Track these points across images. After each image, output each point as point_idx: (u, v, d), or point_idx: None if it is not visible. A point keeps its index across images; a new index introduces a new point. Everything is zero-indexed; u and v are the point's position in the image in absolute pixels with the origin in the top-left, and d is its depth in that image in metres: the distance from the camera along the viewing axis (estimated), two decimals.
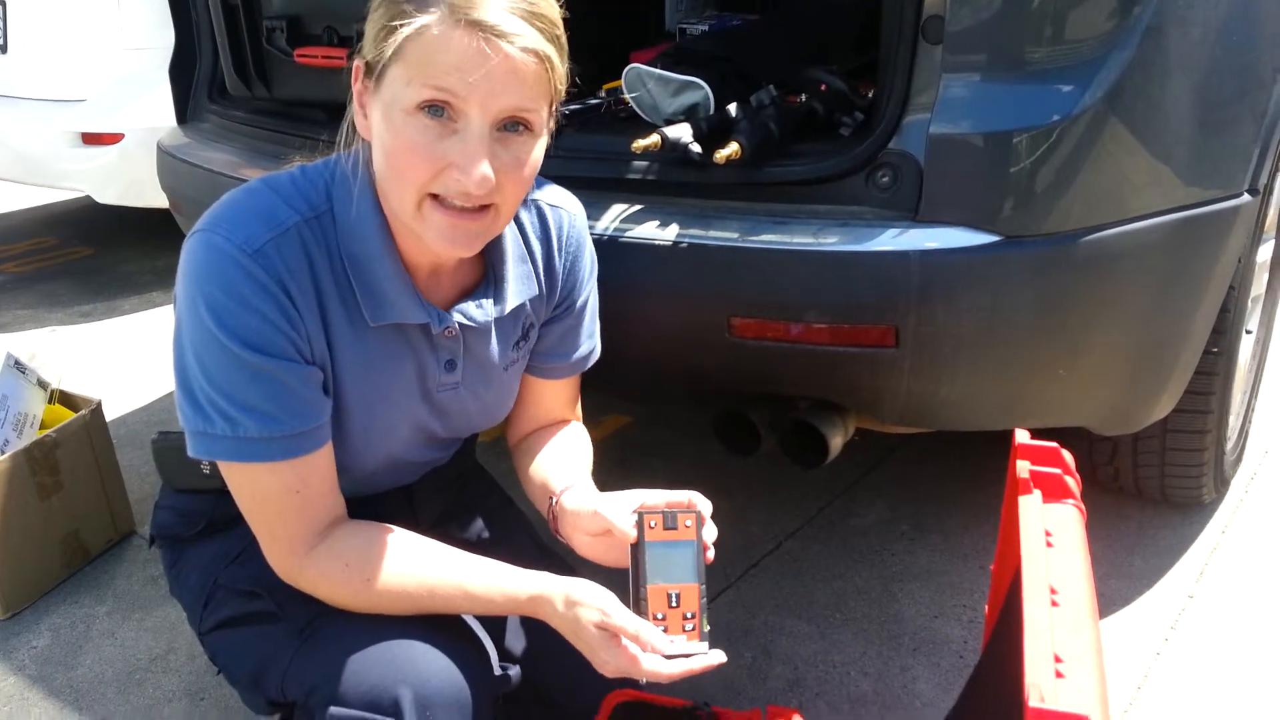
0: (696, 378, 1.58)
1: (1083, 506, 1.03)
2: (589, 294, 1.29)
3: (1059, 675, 0.77)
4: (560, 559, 1.37)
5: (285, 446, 1.04)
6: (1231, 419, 1.96)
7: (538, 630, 1.11)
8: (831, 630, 1.80)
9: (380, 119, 1.01)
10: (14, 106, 3.68)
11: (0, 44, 3.67)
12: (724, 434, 1.62)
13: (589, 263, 1.28)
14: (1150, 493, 2.01)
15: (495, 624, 1.25)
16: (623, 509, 1.10)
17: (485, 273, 1.18)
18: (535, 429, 1.33)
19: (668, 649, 1.01)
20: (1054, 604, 0.86)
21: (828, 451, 1.52)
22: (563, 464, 1.26)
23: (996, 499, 2.13)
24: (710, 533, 1.09)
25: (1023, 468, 1.04)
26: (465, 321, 1.14)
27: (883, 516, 2.14)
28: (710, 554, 1.08)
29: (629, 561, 1.07)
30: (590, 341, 1.32)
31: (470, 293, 1.17)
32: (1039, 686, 0.75)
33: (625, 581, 1.07)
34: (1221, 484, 2.03)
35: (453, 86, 0.95)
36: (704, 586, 1.05)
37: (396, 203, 1.03)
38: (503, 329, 1.21)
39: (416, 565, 1.08)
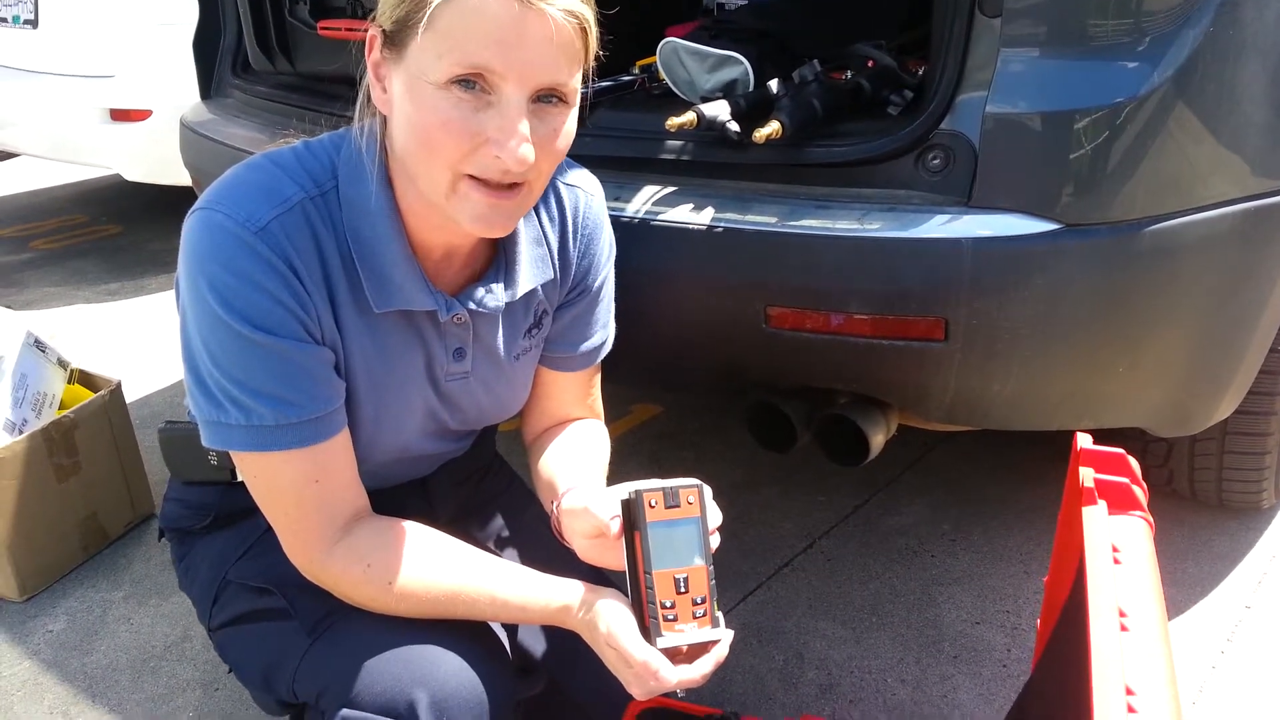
0: (730, 370, 1.51)
1: (1151, 519, 0.95)
2: (605, 279, 1.22)
3: (1131, 710, 0.70)
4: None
5: (302, 433, 0.98)
6: None
7: (560, 632, 1.05)
8: (867, 634, 1.73)
9: (404, 92, 0.93)
10: (43, 82, 3.66)
11: (31, 19, 3.66)
12: (758, 428, 1.55)
13: (606, 246, 1.21)
14: (1206, 497, 1.92)
15: (514, 625, 1.19)
16: (612, 500, 1.02)
17: (496, 255, 1.11)
18: (549, 425, 1.27)
19: (676, 678, 0.94)
20: (1123, 628, 0.78)
21: (868, 450, 1.44)
22: (570, 463, 1.19)
23: (1043, 499, 2.07)
24: (715, 516, 1.01)
25: (1086, 475, 0.95)
26: (475, 308, 1.08)
27: (922, 516, 2.06)
28: (716, 538, 1.00)
29: (624, 549, 0.99)
30: (603, 332, 1.25)
31: (480, 277, 1.10)
32: None
33: None
34: None
35: (490, 62, 0.89)
36: (712, 568, 0.98)
37: (427, 183, 0.96)
38: (514, 316, 1.15)
39: (443, 570, 1.03)
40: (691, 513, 0.98)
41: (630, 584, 0.99)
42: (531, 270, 1.12)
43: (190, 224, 0.96)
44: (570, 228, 1.16)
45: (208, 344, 0.96)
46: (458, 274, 1.09)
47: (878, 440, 1.45)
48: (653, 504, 0.96)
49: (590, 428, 1.27)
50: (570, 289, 1.19)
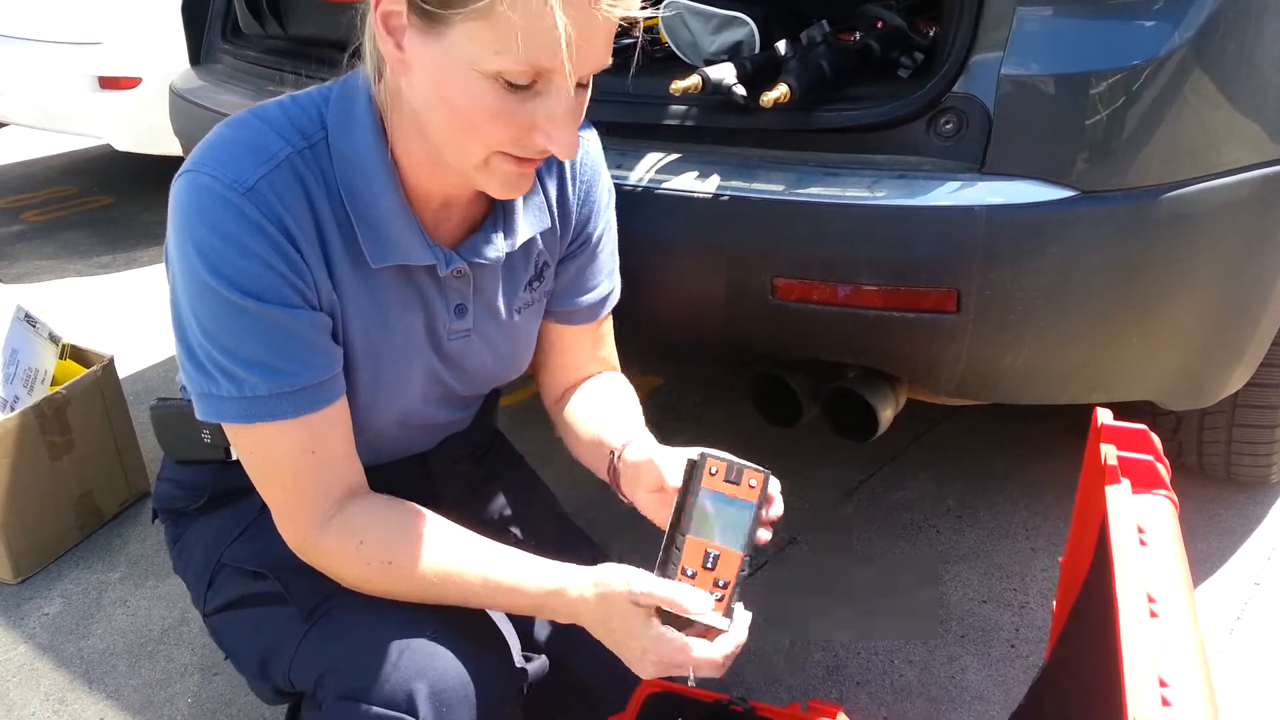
0: (735, 342, 1.47)
1: (1175, 497, 0.92)
2: (605, 226, 1.19)
3: (1165, 703, 0.67)
4: (586, 538, 1.29)
5: (296, 402, 0.95)
6: None
7: None
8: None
9: (436, 69, 0.88)
10: (30, 49, 3.59)
11: None
12: (762, 402, 1.52)
13: (604, 192, 1.18)
14: (1214, 470, 1.89)
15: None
16: (679, 457, 0.99)
17: (493, 206, 1.07)
18: (570, 384, 1.23)
19: (701, 609, 0.90)
20: (1153, 614, 0.75)
21: (876, 425, 1.41)
22: (615, 417, 1.16)
23: (1049, 474, 2.04)
24: (777, 508, 0.98)
25: (1108, 453, 0.92)
26: (475, 259, 1.04)
27: (927, 491, 2.03)
28: (767, 532, 0.97)
29: (673, 508, 0.95)
30: (609, 281, 1.21)
31: (478, 228, 1.07)
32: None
33: None
34: None
35: (551, 64, 0.84)
36: (748, 559, 0.93)
37: (455, 157, 0.93)
38: (514, 268, 1.11)
39: (436, 550, 0.99)
40: (748, 496, 0.94)
41: (664, 545, 0.95)
42: (529, 219, 1.08)
43: (177, 187, 0.92)
44: (569, 175, 1.13)
45: (196, 312, 0.92)
46: (456, 226, 1.05)
47: (886, 415, 1.42)
48: (713, 471, 0.94)
49: (614, 379, 1.25)
50: (572, 239, 1.16)
